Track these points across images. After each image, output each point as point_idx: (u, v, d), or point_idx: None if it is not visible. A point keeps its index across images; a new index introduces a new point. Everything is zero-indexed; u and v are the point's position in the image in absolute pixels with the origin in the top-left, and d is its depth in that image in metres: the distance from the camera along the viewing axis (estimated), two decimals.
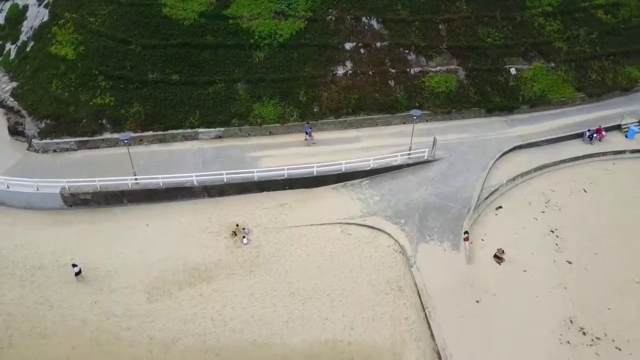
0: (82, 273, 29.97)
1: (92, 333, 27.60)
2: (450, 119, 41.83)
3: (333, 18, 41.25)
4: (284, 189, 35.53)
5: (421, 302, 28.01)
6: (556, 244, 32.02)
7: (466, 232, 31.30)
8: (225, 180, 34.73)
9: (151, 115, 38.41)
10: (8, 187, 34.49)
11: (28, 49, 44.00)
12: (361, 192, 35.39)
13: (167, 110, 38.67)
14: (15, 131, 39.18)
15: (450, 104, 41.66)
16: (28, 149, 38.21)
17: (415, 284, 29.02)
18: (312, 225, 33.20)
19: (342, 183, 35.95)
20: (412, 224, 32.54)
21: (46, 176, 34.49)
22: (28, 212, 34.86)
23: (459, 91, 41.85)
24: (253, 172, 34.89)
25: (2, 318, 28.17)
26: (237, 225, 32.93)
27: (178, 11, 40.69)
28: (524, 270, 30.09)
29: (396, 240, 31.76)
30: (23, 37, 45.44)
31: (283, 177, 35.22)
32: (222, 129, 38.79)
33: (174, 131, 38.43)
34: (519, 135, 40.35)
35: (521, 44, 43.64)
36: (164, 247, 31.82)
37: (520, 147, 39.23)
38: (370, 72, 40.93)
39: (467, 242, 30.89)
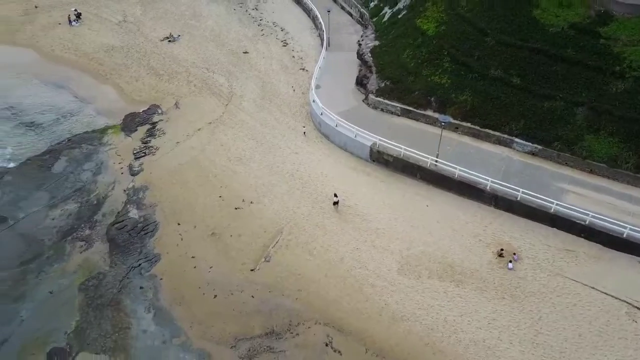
0: (339, 204, 34.41)
1: (344, 272, 30.77)
2: None
3: None
4: (579, 235, 31.33)
5: None
6: None
7: None
8: (518, 198, 32.70)
9: (476, 108, 38.45)
10: (337, 125, 40.30)
11: (399, 16, 48.91)
12: None
13: (493, 108, 38.04)
14: (360, 82, 44.92)
15: None
16: (363, 101, 43.45)
17: None
18: (592, 287, 28.64)
19: None
20: None
21: (366, 128, 38.67)
22: (341, 151, 40.33)
23: None
24: (552, 203, 31.73)
25: (290, 224, 34.03)
26: (509, 252, 30.94)
27: (549, 16, 38.60)
28: None
29: None
30: (400, 5, 50.60)
31: (583, 223, 31.01)
32: (540, 147, 36.12)
33: (490, 131, 37.72)
34: None
35: None
36: (432, 232, 32.54)
37: None
38: None
39: None
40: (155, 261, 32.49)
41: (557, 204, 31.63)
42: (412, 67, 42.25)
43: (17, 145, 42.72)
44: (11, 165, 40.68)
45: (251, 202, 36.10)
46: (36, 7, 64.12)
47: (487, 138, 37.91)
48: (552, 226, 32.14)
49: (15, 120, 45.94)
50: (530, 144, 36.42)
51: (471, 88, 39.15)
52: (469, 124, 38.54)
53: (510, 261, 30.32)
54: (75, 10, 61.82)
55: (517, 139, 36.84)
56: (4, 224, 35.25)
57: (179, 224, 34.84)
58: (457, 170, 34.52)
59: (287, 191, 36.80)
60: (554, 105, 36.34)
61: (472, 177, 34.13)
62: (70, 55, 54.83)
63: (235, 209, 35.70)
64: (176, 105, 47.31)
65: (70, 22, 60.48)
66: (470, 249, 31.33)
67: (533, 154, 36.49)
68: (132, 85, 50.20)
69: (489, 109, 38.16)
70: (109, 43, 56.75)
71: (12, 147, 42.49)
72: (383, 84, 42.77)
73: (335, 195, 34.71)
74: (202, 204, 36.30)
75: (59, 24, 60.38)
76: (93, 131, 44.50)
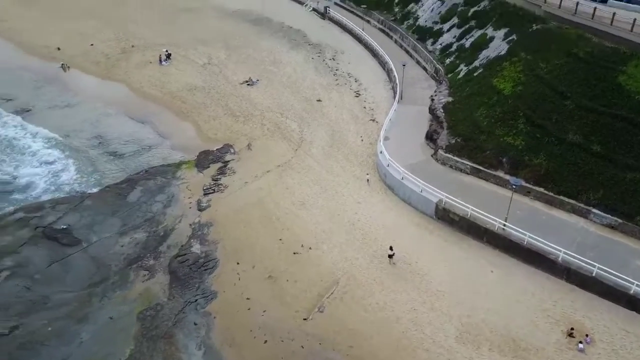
0: (394, 259, 33.79)
1: (398, 333, 29.64)
2: None
3: None
4: None
5: None
6: None
7: None
8: (593, 274, 30.41)
9: (551, 174, 36.80)
10: (402, 178, 39.94)
11: (475, 74, 48.56)
12: None
13: (569, 175, 36.24)
14: (430, 137, 44.57)
15: None
16: (432, 156, 42.92)
17: None
18: None
19: None
20: None
21: (433, 184, 37.98)
22: (405, 205, 39.75)
23: None
24: (632, 283, 29.19)
25: (347, 276, 33.55)
26: (580, 333, 28.58)
27: (636, 82, 36.87)
28: None
29: None
30: (476, 63, 50.33)
31: None
32: (620, 220, 33.71)
33: (565, 199, 35.80)
34: None
35: None
36: (496, 300, 30.82)
37: None
38: None
39: None
40: (212, 298, 32.95)
41: (637, 285, 29.09)
42: (485, 126, 41.45)
43: (101, 172, 45.79)
44: (93, 190, 43.49)
45: (310, 248, 36.11)
46: (133, 46, 69.93)
47: (561, 206, 35.97)
48: (632, 309, 29.45)
49: (101, 148, 49.44)
50: (609, 216, 34.11)
51: (546, 152, 37.67)
52: (542, 189, 36.85)
53: (581, 342, 27.96)
54: (167, 50, 66.71)
55: (594, 210, 34.67)
56: (78, 246, 37.37)
57: (238, 263, 35.35)
58: (527, 237, 32.82)
59: (346, 241, 36.53)
60: (638, 177, 34.09)
61: (542, 245, 32.27)
62: (157, 92, 58.80)
63: (294, 253, 35.80)
64: (248, 146, 49.00)
65: (160, 61, 65.22)
66: (536, 324, 29.26)
67: (612, 227, 34.08)
68: (209, 124, 52.75)
69: (564, 175, 36.40)
70: (193, 83, 60.38)
71: (97, 174, 45.57)
72: (454, 141, 42.14)
73: (391, 248, 34.05)
74: (263, 245, 36.74)
75: (150, 62, 65.29)
76: (169, 165, 46.85)
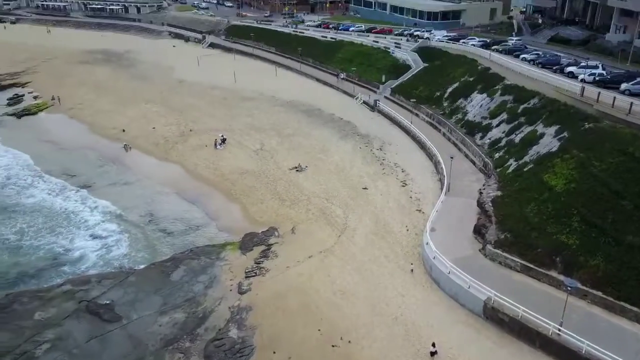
0: (436, 358, 32.00)
1: None
2: None
3: None
4: None
5: None
6: None
7: None
8: None
9: (609, 277, 34.50)
10: (449, 273, 38.54)
11: (525, 169, 47.96)
12: None
13: (630, 280, 33.83)
14: (478, 231, 43.36)
15: None
16: (480, 250, 41.47)
17: None
18: None
19: None
20: None
21: (481, 280, 36.24)
22: (450, 301, 37.96)
23: None
24: None
25: None
26: None
27: None
28: None
29: None
30: (526, 159, 49.86)
31: None
32: None
33: (627, 305, 33.13)
34: None
35: None
36: None
37: None
38: None
39: None
40: None
41: None
42: (536, 223, 40.09)
43: (149, 249, 46.93)
44: (140, 267, 44.38)
45: (349, 342, 34.62)
46: (191, 130, 74.34)
47: (622, 313, 33.27)
48: None
49: (152, 225, 51.09)
50: None
51: (604, 253, 35.65)
52: (600, 293, 34.38)
53: None
54: (222, 135, 70.33)
55: None
56: (118, 323, 37.50)
57: (274, 352, 34.19)
58: (585, 346, 30.22)
59: (387, 336, 34.87)
60: None
61: (603, 356, 29.50)
62: (209, 174, 61.26)
63: (332, 346, 34.37)
64: (292, 230, 49.27)
65: (216, 145, 68.60)
66: None
67: None
68: (256, 207, 53.83)
69: (625, 280, 34.01)
70: (244, 167, 62.66)
71: (145, 250, 46.73)
72: (503, 236, 40.78)
73: (433, 345, 32.30)
74: (301, 335, 35.59)
75: (206, 146, 68.77)
76: (213, 245, 47.50)
